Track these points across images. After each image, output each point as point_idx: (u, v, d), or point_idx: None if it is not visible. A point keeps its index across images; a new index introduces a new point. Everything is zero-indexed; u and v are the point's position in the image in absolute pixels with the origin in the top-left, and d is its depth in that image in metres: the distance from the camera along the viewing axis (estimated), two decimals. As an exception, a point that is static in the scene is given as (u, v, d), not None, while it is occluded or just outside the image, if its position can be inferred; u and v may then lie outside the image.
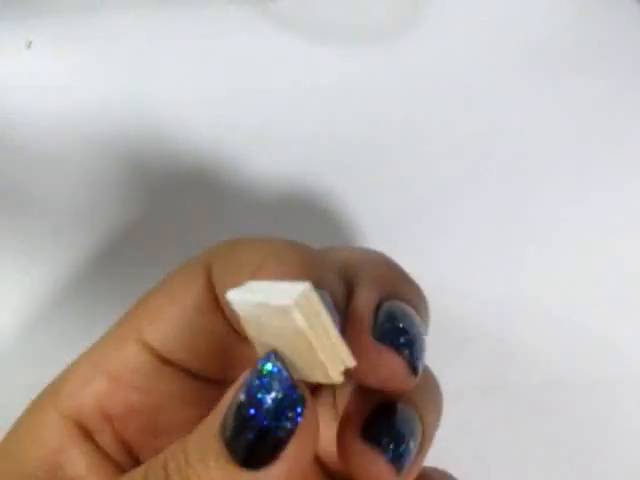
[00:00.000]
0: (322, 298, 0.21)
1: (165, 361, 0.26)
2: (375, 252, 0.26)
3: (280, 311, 0.20)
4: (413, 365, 0.23)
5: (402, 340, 0.23)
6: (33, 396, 0.27)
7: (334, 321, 0.21)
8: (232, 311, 0.23)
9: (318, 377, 0.21)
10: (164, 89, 0.39)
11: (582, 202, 0.38)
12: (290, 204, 0.38)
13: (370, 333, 0.23)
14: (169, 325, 0.25)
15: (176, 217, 0.37)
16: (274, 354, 0.21)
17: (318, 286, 0.21)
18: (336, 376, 0.20)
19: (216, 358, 0.26)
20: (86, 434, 0.26)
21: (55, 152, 0.38)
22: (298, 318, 0.20)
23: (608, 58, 0.41)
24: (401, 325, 0.23)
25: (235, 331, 0.25)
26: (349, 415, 0.23)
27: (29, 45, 0.39)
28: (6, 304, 0.36)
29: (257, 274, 0.23)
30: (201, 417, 0.22)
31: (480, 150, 0.39)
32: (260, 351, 0.22)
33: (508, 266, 0.36)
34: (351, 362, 0.20)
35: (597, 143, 0.39)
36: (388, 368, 0.22)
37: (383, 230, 0.37)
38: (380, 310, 0.23)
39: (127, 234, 0.37)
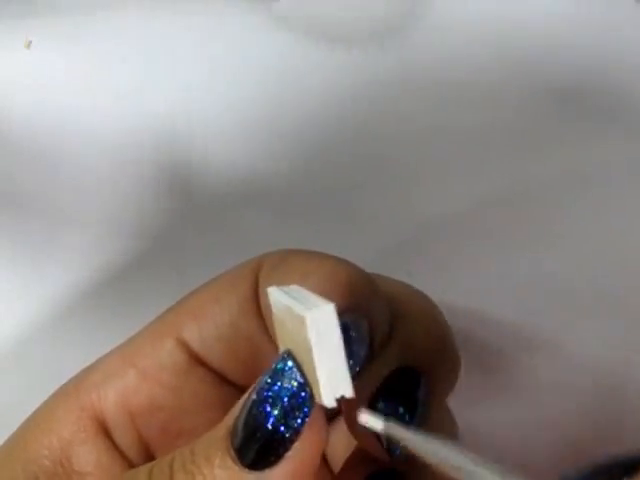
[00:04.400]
0: (356, 325, 0.21)
1: (198, 361, 0.25)
2: (423, 300, 0.26)
3: (298, 320, 0.20)
4: (390, 452, 0.23)
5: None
6: (35, 402, 0.27)
7: (361, 353, 0.21)
8: (268, 312, 0.23)
9: (315, 395, 0.21)
10: (164, 89, 0.39)
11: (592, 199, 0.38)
12: (290, 204, 0.38)
13: (364, 407, 0.22)
14: (210, 325, 0.25)
15: (176, 216, 0.37)
16: (288, 353, 0.21)
17: (361, 313, 0.22)
18: (328, 400, 0.20)
19: (249, 365, 0.25)
20: (103, 430, 0.26)
21: (55, 152, 0.38)
22: (310, 332, 0.20)
23: (608, 58, 0.41)
24: (401, 410, 0.23)
25: (270, 341, 0.25)
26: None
27: (29, 45, 0.39)
28: (5, 305, 0.36)
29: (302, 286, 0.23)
30: None
31: (481, 148, 0.39)
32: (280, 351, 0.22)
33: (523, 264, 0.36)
34: (349, 393, 0.20)
35: (596, 139, 0.39)
36: (368, 445, 0.23)
37: (383, 229, 0.37)
38: (391, 381, 0.23)
39: (127, 234, 0.37)
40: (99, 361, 0.27)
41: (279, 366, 0.21)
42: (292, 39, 0.40)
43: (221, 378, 0.26)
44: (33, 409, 0.27)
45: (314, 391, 0.21)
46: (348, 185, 0.38)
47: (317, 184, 0.38)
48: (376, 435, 0.22)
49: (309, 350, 0.20)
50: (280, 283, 0.22)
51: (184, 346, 0.25)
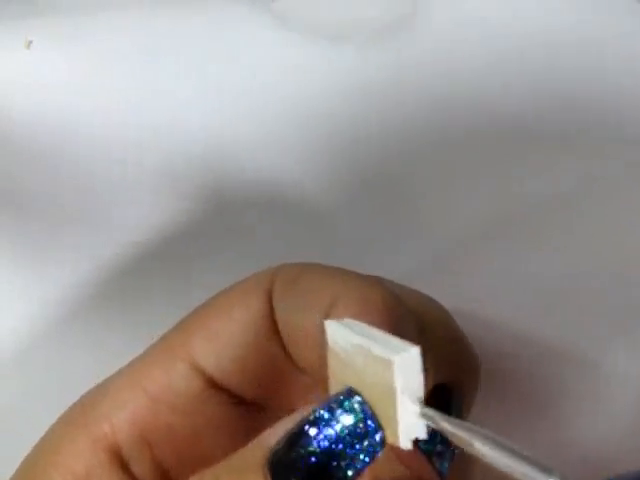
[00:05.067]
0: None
1: (214, 384, 0.25)
2: (440, 310, 0.25)
3: (380, 362, 0.20)
4: (441, 474, 0.22)
5: (439, 448, 0.22)
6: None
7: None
8: (295, 337, 0.23)
9: (386, 434, 0.20)
10: (164, 89, 0.39)
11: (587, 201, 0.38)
12: (289, 205, 0.38)
13: None
14: (225, 346, 0.24)
15: (175, 217, 0.37)
16: (353, 391, 0.20)
17: (398, 334, 0.21)
18: (406, 443, 0.20)
19: (266, 384, 0.25)
20: (119, 461, 0.25)
21: (55, 152, 0.38)
22: (397, 376, 0.20)
23: (608, 58, 0.41)
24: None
25: (288, 358, 0.24)
26: None
27: (29, 45, 0.39)
28: (5, 304, 0.36)
29: (332, 309, 0.22)
30: (245, 445, 0.21)
31: (480, 149, 0.39)
32: (334, 387, 0.21)
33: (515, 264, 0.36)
34: (423, 435, 0.20)
35: (597, 141, 0.39)
36: (418, 469, 0.22)
37: (382, 229, 0.37)
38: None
39: (127, 234, 0.37)
40: (105, 387, 0.26)
41: (347, 403, 0.20)
42: (292, 38, 0.40)
43: (238, 399, 0.25)
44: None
45: (385, 431, 0.20)
46: (347, 184, 0.38)
47: (315, 184, 0.38)
48: (427, 457, 0.22)
49: (386, 393, 0.20)
50: (300, 302, 0.22)
51: (198, 370, 0.24)
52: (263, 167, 0.38)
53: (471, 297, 0.34)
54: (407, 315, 0.23)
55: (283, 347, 0.25)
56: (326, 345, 0.21)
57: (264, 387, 0.25)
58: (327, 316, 0.23)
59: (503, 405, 0.34)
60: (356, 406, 0.20)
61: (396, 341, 0.20)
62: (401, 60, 0.40)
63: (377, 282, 0.24)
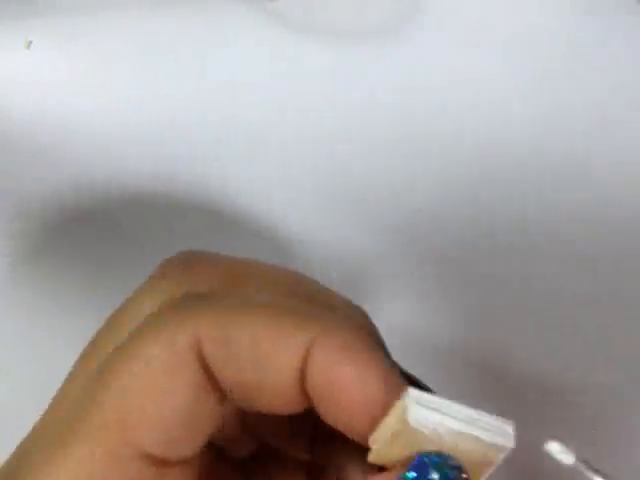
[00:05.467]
0: None
1: (168, 463, 0.23)
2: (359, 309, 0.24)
3: (481, 444, 0.20)
4: None
5: None
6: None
7: None
8: (261, 398, 0.21)
9: None
10: (163, 89, 0.40)
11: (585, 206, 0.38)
12: (287, 205, 0.38)
13: None
14: (167, 426, 0.22)
15: (173, 216, 0.37)
16: (450, 456, 0.20)
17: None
18: None
19: (212, 436, 0.23)
20: None
21: (54, 152, 0.38)
22: (499, 457, 0.20)
23: (608, 58, 0.41)
24: None
25: (220, 399, 0.23)
26: None
27: (29, 45, 0.39)
28: (4, 304, 0.36)
29: (309, 360, 0.21)
30: None
31: (480, 150, 0.39)
32: (400, 449, 0.21)
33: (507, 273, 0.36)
34: None
35: (598, 145, 0.39)
36: None
37: (381, 231, 0.37)
38: None
39: (124, 233, 0.37)
40: (48, 474, 0.22)
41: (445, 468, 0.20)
42: (290, 39, 0.41)
43: (189, 462, 0.23)
44: None
45: None
46: (347, 184, 0.38)
47: (314, 183, 0.38)
48: None
49: (475, 465, 0.20)
50: (254, 359, 0.21)
51: (149, 458, 0.22)
52: (262, 165, 0.38)
53: (473, 306, 0.34)
54: (380, 346, 0.22)
55: (224, 397, 0.22)
56: (401, 423, 0.20)
57: (223, 439, 0.24)
58: (301, 370, 0.21)
59: (512, 401, 0.34)
60: (453, 468, 0.20)
61: (490, 419, 0.20)
62: (401, 60, 0.41)
63: (349, 321, 0.22)
